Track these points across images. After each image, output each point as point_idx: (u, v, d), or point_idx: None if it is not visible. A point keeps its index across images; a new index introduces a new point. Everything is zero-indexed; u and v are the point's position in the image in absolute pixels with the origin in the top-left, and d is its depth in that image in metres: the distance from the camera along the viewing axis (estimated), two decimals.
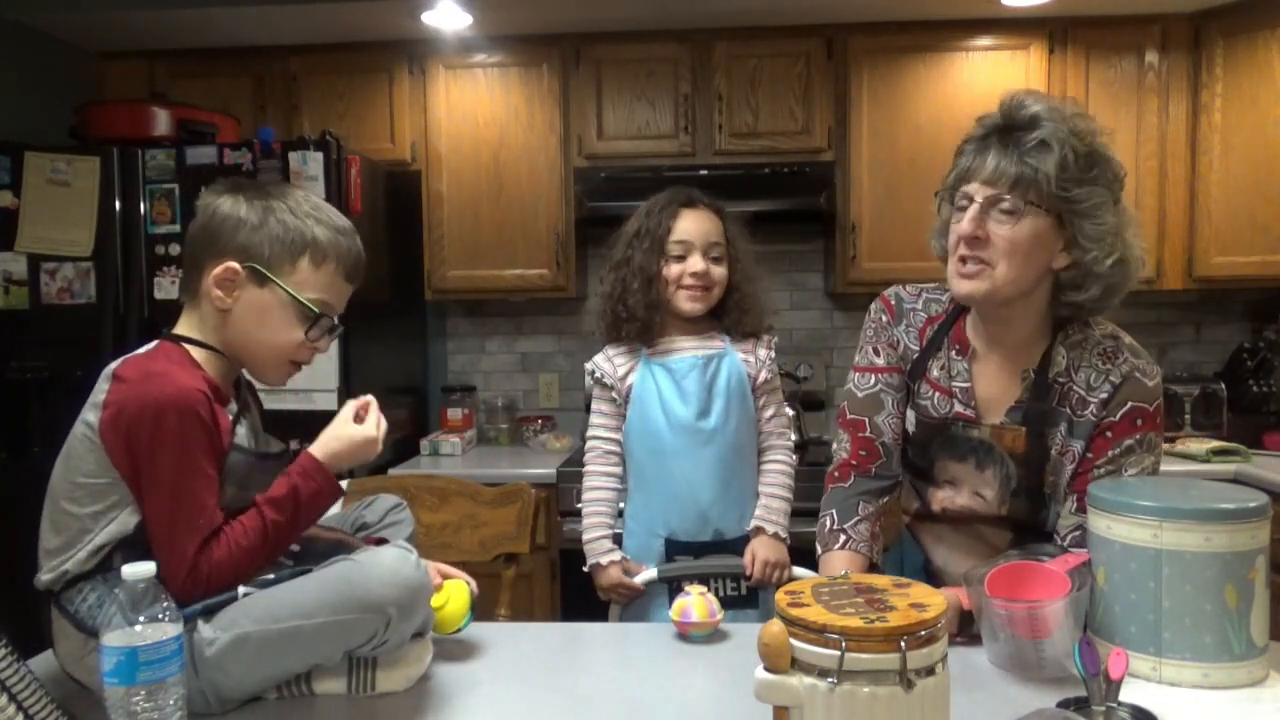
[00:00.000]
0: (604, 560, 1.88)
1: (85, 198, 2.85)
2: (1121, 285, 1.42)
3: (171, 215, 2.85)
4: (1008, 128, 1.39)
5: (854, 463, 1.59)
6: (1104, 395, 1.43)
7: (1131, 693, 1.14)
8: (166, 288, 2.85)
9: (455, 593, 1.43)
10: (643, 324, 1.90)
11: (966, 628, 1.37)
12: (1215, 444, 2.98)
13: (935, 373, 1.53)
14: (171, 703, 1.05)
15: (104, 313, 2.85)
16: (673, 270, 1.88)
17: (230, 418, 1.29)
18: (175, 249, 2.85)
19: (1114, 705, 1.09)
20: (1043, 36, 3.20)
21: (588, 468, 1.96)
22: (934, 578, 1.60)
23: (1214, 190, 3.14)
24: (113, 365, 1.25)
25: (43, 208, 2.84)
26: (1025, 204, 1.35)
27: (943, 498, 1.54)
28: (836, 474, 1.60)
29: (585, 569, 1.90)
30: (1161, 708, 1.12)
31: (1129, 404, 1.42)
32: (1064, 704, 1.13)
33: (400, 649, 1.27)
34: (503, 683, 1.32)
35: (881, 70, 3.25)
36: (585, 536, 1.91)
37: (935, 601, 0.99)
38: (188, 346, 1.30)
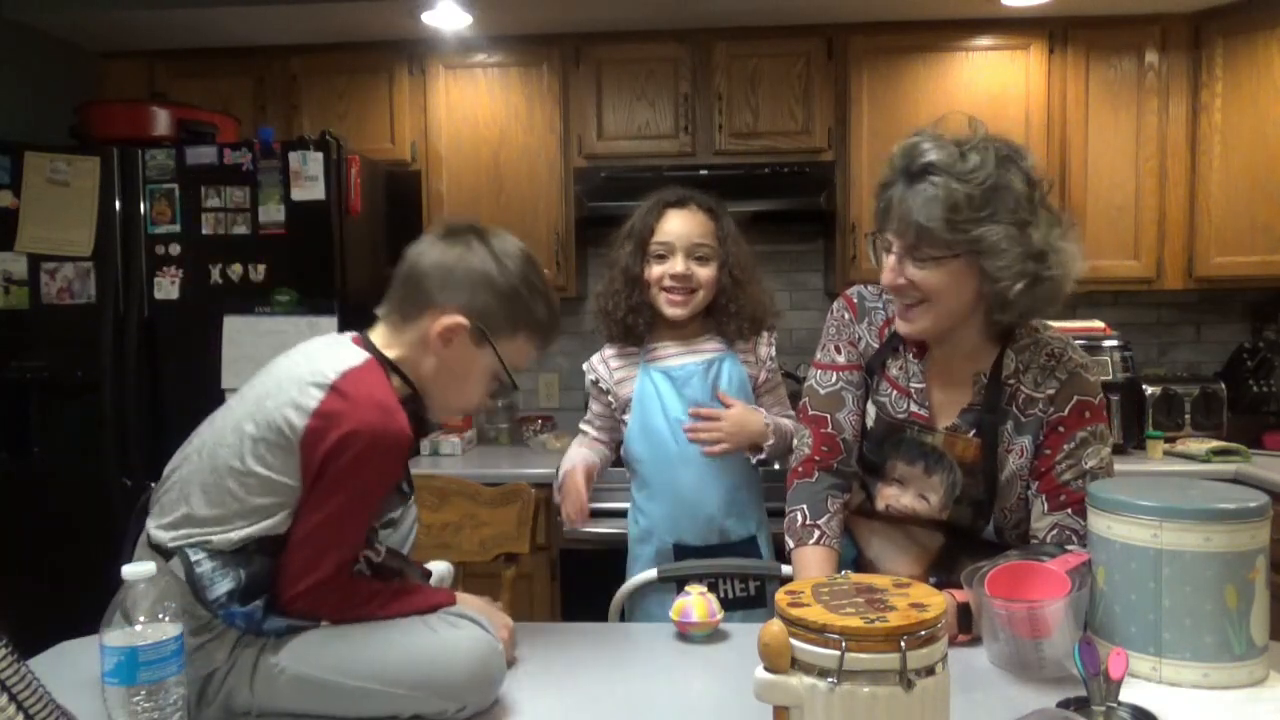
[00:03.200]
0: (565, 466, 1.91)
1: (85, 198, 2.85)
2: (1050, 297, 1.43)
3: (171, 215, 2.85)
4: (907, 175, 1.41)
5: (817, 458, 1.60)
6: (1051, 391, 1.47)
7: (1131, 693, 1.14)
8: (166, 288, 2.85)
9: None
10: (625, 326, 1.90)
11: (966, 627, 1.38)
12: (1215, 444, 2.98)
13: (894, 371, 1.56)
14: (172, 702, 1.05)
15: (104, 313, 2.84)
16: (654, 271, 1.87)
17: None
18: (175, 249, 2.85)
19: (1114, 705, 1.09)
20: (1043, 36, 3.20)
21: (570, 449, 2.02)
22: (865, 571, 1.62)
23: (1214, 190, 3.14)
24: (330, 374, 1.20)
25: (43, 208, 2.84)
26: (930, 257, 1.41)
27: (889, 494, 1.56)
28: (800, 469, 1.61)
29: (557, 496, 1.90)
30: (1161, 708, 1.12)
31: (1075, 398, 1.47)
32: (1064, 704, 1.13)
33: None
34: (502, 683, 1.31)
35: (881, 70, 3.25)
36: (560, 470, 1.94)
37: (935, 601, 0.99)
38: (393, 374, 1.30)
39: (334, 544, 1.20)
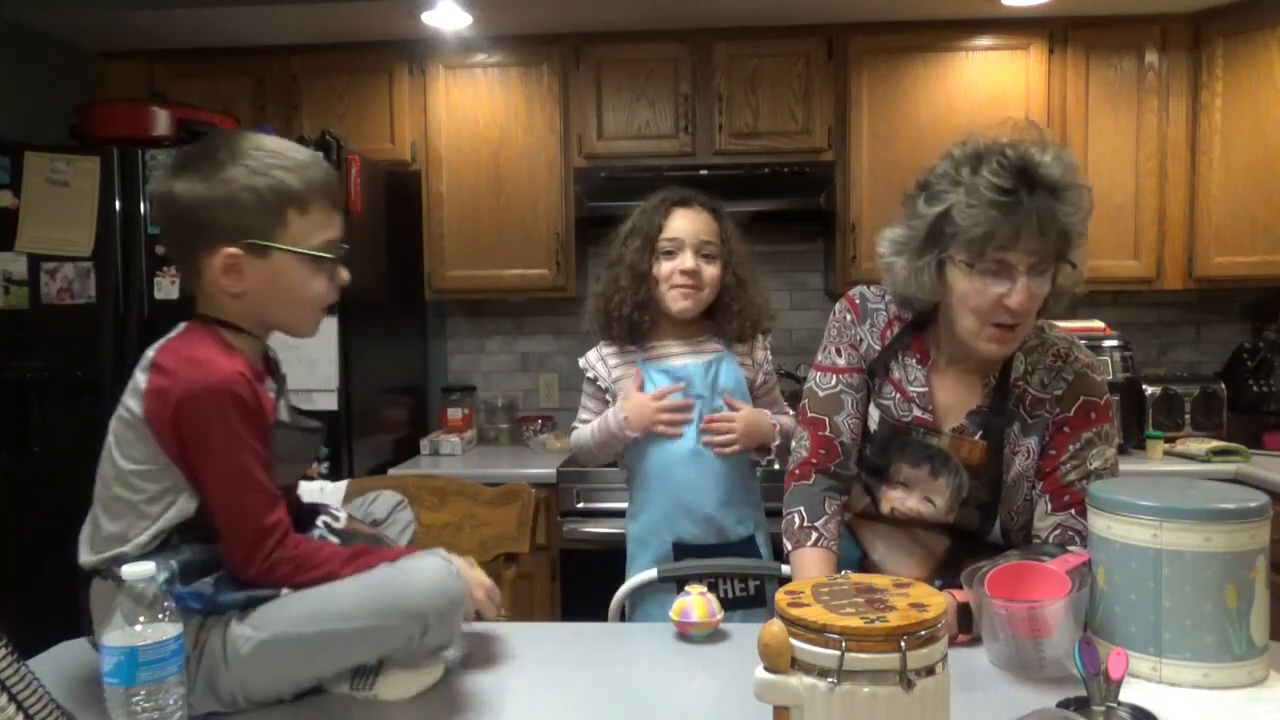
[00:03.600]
0: (621, 401, 1.89)
1: (85, 198, 2.85)
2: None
3: None
4: (1032, 187, 1.34)
5: (814, 461, 1.59)
6: (1058, 392, 1.48)
7: (1131, 693, 1.14)
8: (166, 288, 2.85)
9: None
10: (630, 323, 1.90)
11: (967, 627, 1.37)
12: (1215, 444, 2.98)
13: (897, 374, 1.55)
14: (171, 703, 1.05)
15: (104, 313, 2.85)
16: (663, 268, 1.88)
17: (272, 395, 1.29)
18: None
19: (1114, 705, 1.09)
20: (1043, 36, 3.20)
21: (574, 433, 2.00)
22: (869, 573, 1.61)
23: (1214, 190, 3.14)
24: (150, 353, 1.24)
25: (43, 208, 2.84)
26: (1050, 267, 1.39)
27: (894, 498, 1.56)
28: (798, 471, 1.61)
29: (629, 431, 1.87)
30: (1161, 708, 1.12)
31: (1081, 399, 1.47)
32: (1064, 704, 1.13)
33: (415, 665, 1.27)
34: (503, 683, 1.31)
35: (881, 70, 3.25)
36: (596, 432, 1.92)
37: (935, 601, 0.99)
38: (219, 329, 1.28)
39: (241, 506, 1.20)
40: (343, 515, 1.38)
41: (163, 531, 1.20)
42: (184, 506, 1.21)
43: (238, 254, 1.24)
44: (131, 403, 1.22)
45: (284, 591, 1.21)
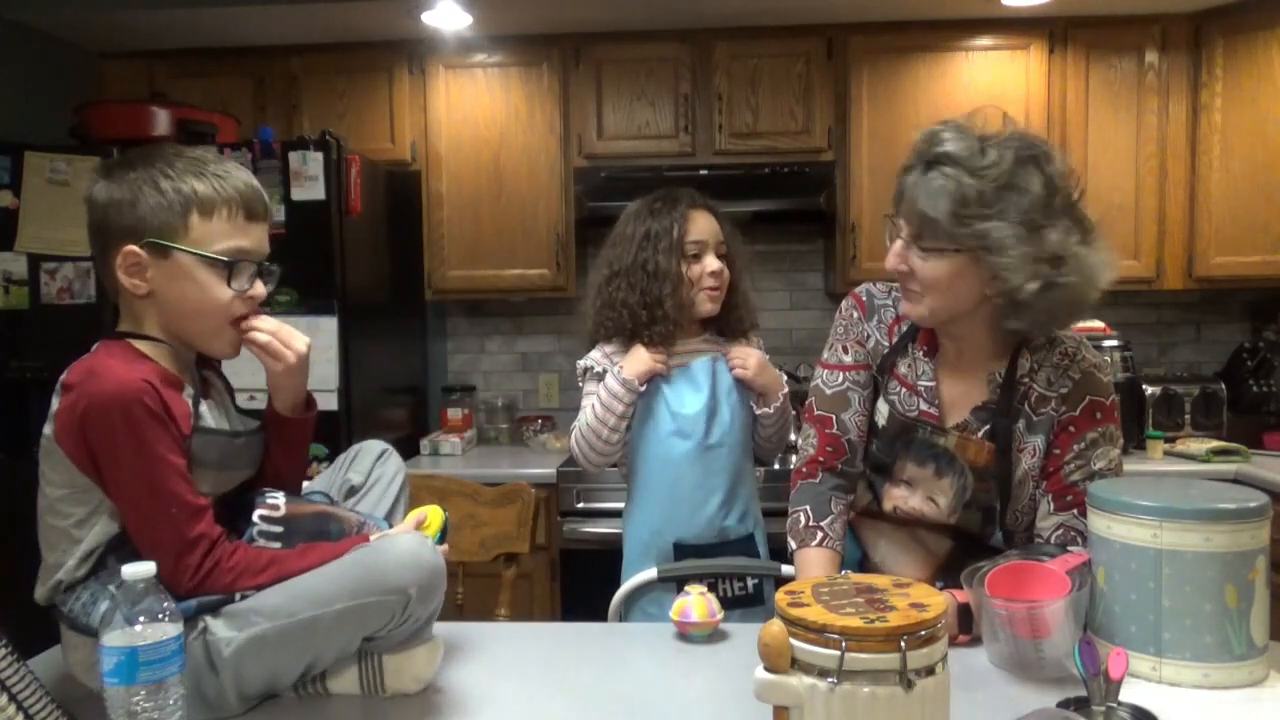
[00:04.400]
0: (621, 362, 1.88)
1: None
2: (1071, 306, 1.42)
3: None
4: (924, 162, 1.39)
5: (821, 459, 1.60)
6: (1064, 390, 1.47)
7: (1131, 693, 1.14)
8: None
9: (432, 515, 1.45)
10: (666, 331, 1.87)
11: (967, 627, 1.37)
12: (1215, 444, 2.98)
13: (904, 369, 1.55)
14: (171, 703, 1.05)
15: (104, 313, 2.84)
16: (693, 270, 1.88)
17: (188, 402, 1.26)
18: None
19: (1114, 705, 1.09)
20: (1043, 36, 3.20)
21: (574, 431, 1.95)
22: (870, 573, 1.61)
23: (1214, 190, 3.14)
24: (62, 377, 1.23)
25: (43, 208, 2.84)
26: (933, 248, 1.39)
27: (897, 496, 1.55)
28: (805, 470, 1.61)
29: (636, 382, 1.86)
30: (1161, 708, 1.12)
31: (1087, 398, 1.47)
32: (1064, 704, 1.13)
33: (411, 649, 1.27)
34: (503, 683, 1.31)
35: (881, 70, 3.25)
36: (598, 405, 1.88)
37: (935, 601, 0.99)
38: (131, 340, 1.27)
39: (158, 520, 1.18)
40: (281, 499, 1.33)
41: (91, 552, 1.20)
42: (108, 524, 1.20)
43: (138, 252, 1.24)
44: (46, 428, 1.21)
45: (238, 596, 1.20)
